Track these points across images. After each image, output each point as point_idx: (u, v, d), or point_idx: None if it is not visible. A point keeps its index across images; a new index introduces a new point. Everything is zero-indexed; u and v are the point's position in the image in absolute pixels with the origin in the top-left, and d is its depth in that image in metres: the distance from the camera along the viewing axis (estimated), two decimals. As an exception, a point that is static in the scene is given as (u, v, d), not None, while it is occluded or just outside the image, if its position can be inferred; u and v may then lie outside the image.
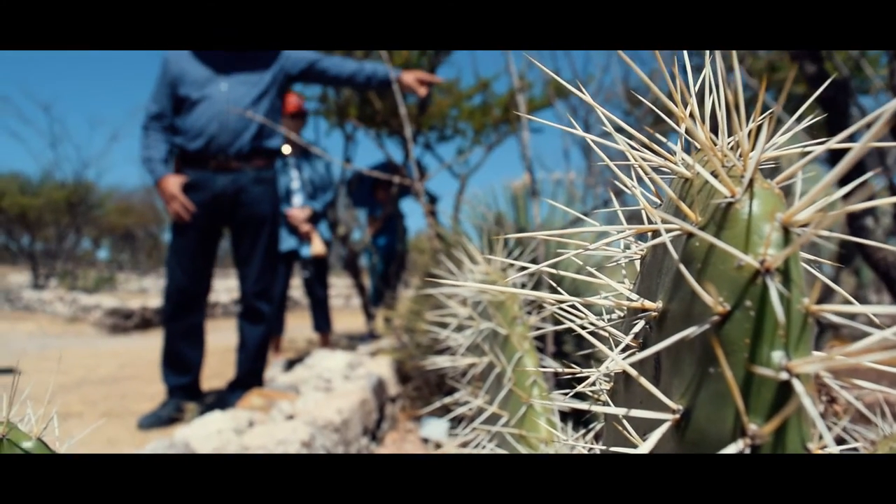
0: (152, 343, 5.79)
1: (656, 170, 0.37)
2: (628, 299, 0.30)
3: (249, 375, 2.96)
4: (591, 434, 0.59)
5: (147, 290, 12.37)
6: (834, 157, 1.58)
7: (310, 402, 2.34)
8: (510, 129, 5.79)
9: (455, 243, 2.83)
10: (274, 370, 4.05)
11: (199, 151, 2.73)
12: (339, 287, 13.10)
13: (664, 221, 0.25)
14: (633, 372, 0.26)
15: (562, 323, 0.44)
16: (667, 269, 0.28)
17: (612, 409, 0.28)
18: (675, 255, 0.25)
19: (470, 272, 0.93)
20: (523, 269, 1.02)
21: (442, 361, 0.96)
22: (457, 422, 2.30)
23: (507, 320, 0.80)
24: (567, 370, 0.38)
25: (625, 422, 0.30)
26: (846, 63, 3.43)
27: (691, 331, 0.24)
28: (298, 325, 6.47)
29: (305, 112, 4.35)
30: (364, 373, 2.83)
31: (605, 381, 0.44)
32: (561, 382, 1.55)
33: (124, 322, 7.02)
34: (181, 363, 2.87)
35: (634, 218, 0.39)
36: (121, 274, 15.63)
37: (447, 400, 0.90)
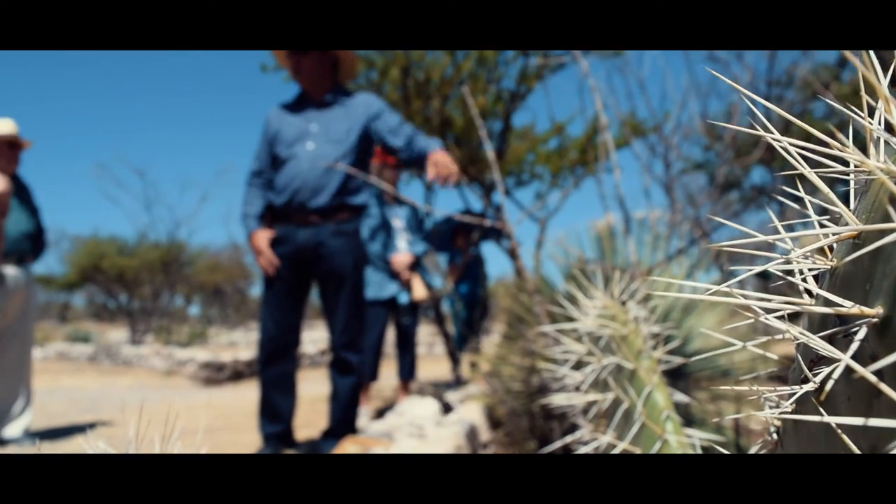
0: (244, 394, 5.94)
1: (828, 178, 0.35)
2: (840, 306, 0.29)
3: (342, 425, 2.98)
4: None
5: (236, 344, 12.76)
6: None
7: (404, 450, 2.33)
8: (587, 171, 5.75)
9: (541, 290, 2.81)
10: (362, 418, 4.07)
11: (283, 207, 2.85)
12: (421, 335, 13.12)
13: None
14: (873, 378, 0.25)
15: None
16: (881, 274, 0.27)
17: (852, 420, 0.26)
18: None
19: (587, 307, 0.91)
20: (646, 299, 1.00)
21: (560, 399, 0.93)
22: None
23: (633, 354, 0.78)
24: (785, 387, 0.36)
25: (846, 439, 0.28)
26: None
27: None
28: (383, 374, 6.51)
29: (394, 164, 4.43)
30: (456, 419, 2.81)
31: (771, 403, 0.42)
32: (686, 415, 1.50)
33: (217, 375, 7.24)
34: (273, 411, 2.93)
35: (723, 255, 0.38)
36: (211, 328, 16.20)
37: (569, 439, 0.88)
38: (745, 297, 0.33)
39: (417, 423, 2.75)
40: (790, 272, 0.34)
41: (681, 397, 0.82)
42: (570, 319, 1.00)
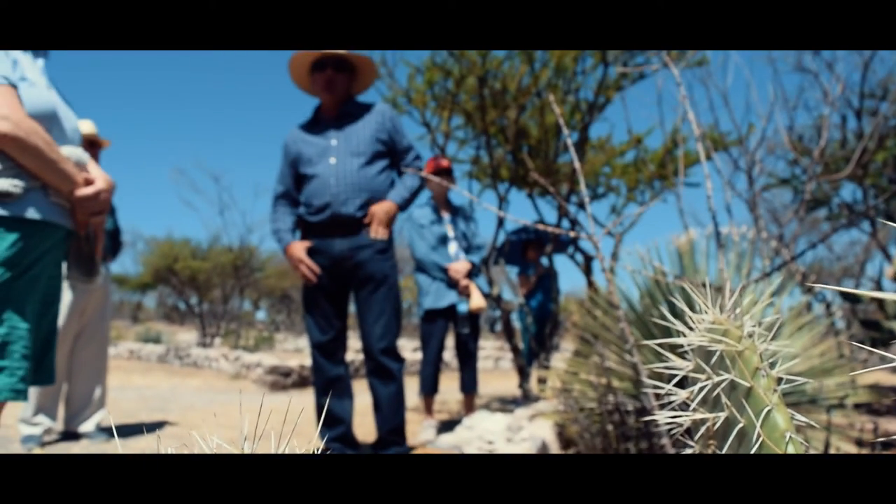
0: (309, 400, 5.98)
1: None
2: None
3: (391, 434, 2.90)
4: None
5: (302, 350, 12.96)
6: None
7: (473, 464, 2.26)
8: (665, 185, 5.58)
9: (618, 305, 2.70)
10: (427, 433, 4.02)
11: (317, 222, 2.92)
12: (488, 349, 13.03)
13: None
14: None
15: None
16: None
17: None
18: None
19: (697, 322, 0.82)
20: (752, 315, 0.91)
21: (664, 417, 0.85)
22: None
23: (749, 371, 0.70)
24: None
25: None
26: None
27: None
28: (448, 388, 6.45)
29: (445, 170, 4.25)
30: (527, 436, 2.73)
31: None
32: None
33: (283, 380, 7.34)
34: (329, 416, 2.94)
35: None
36: (278, 334, 16.51)
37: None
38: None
39: (487, 437, 2.68)
40: None
41: (801, 419, 0.73)
42: (659, 335, 0.92)
